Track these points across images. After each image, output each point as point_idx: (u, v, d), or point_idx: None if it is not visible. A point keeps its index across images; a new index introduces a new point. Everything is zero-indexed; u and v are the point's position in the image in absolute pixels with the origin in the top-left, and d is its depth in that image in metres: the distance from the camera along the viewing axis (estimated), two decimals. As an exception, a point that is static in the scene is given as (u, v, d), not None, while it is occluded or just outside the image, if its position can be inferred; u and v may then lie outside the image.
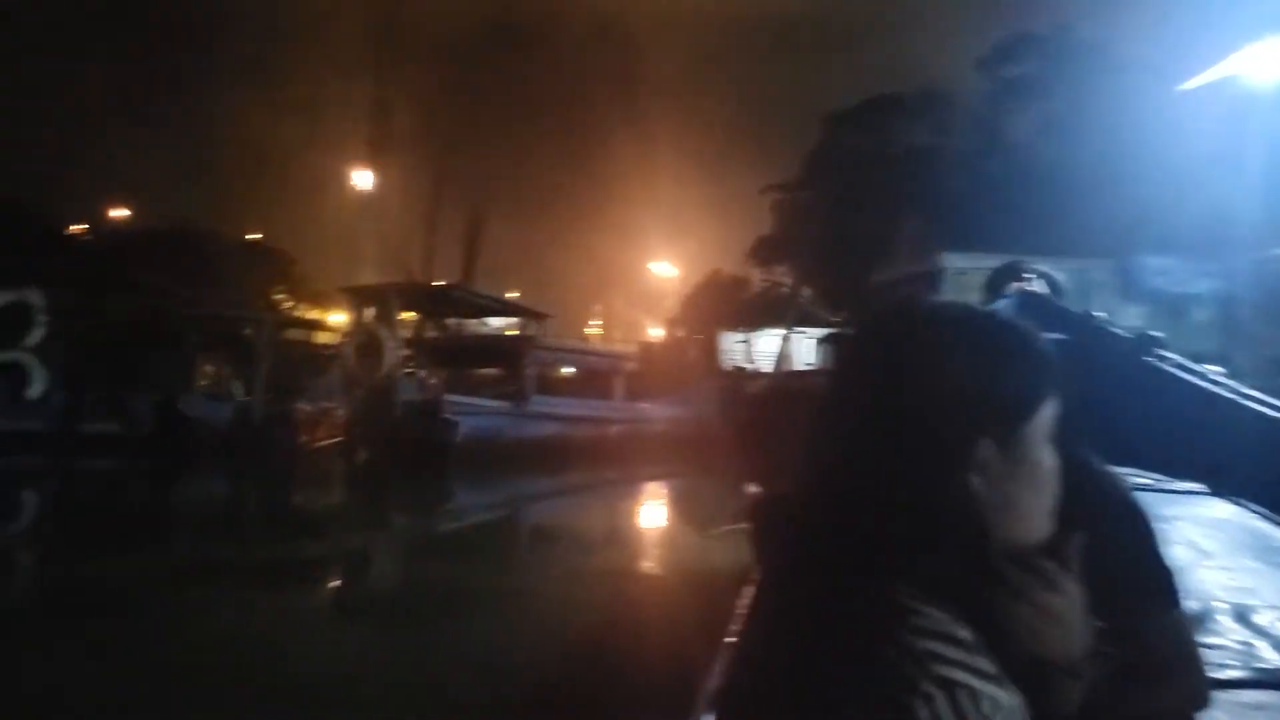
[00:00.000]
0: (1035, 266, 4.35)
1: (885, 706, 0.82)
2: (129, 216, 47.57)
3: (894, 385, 0.96)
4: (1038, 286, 4.19)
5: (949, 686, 0.83)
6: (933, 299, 1.07)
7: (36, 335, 21.45)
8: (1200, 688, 2.02)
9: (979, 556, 0.93)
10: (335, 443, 21.19)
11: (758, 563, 1.04)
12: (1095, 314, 4.88)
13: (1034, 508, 0.97)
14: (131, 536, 12.50)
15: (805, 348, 34.52)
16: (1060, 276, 4.40)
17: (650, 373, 27.20)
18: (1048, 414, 0.98)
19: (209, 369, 25.86)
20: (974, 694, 0.83)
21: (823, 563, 0.94)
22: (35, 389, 21.03)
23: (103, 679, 6.47)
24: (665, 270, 56.62)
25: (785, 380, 22.22)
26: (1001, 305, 3.95)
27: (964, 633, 0.87)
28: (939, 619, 0.87)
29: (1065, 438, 1.09)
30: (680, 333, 40.25)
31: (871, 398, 0.98)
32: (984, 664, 0.86)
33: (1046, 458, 0.98)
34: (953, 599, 0.90)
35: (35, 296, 21.80)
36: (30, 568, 11.21)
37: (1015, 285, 4.22)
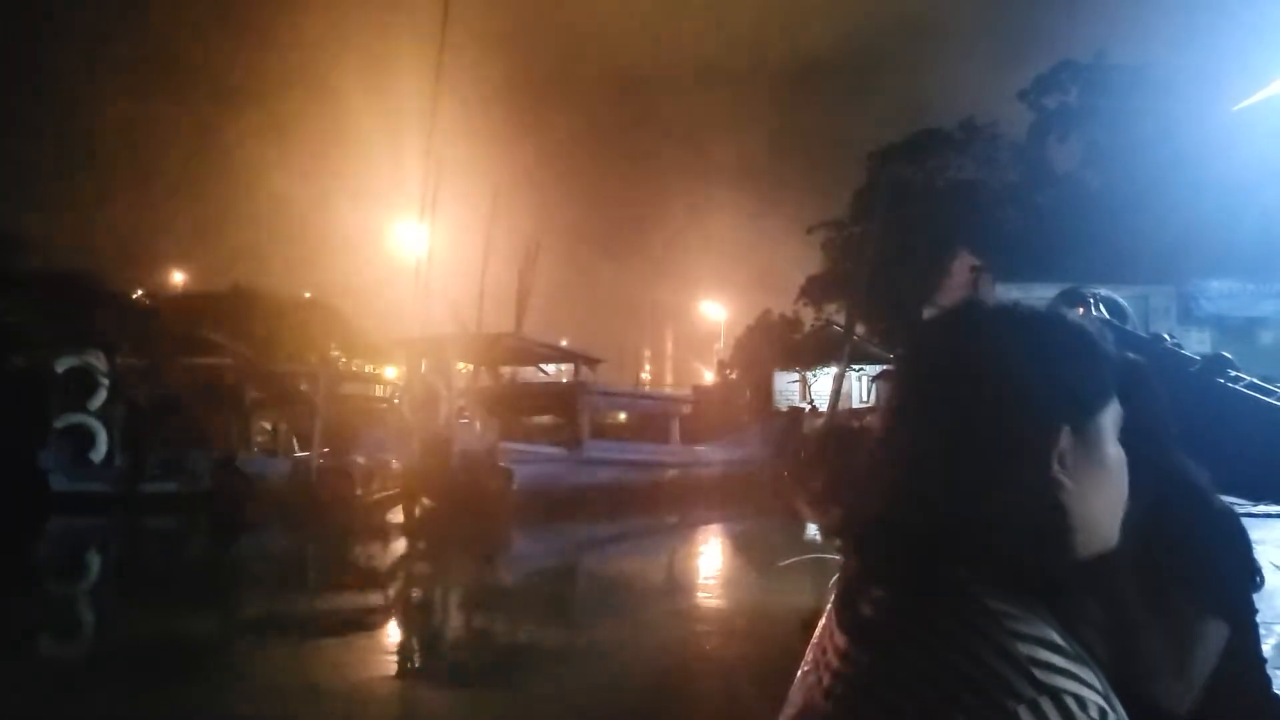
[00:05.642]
0: (1097, 291, 4.24)
1: (989, 714, 0.79)
2: (185, 281, 48.66)
3: (966, 383, 0.93)
4: (1101, 312, 4.10)
5: (1054, 693, 0.79)
6: (989, 301, 1.03)
7: (100, 398, 21.89)
8: (1267, 709, 1.90)
9: (1064, 561, 0.91)
10: (393, 494, 21.30)
11: (848, 576, 1.00)
12: (1163, 336, 4.76)
13: (1103, 506, 0.94)
14: (191, 592, 12.59)
15: (860, 386, 34.28)
16: (1123, 301, 4.31)
17: (705, 415, 27.09)
18: (1114, 409, 0.96)
19: (266, 425, 26.13)
20: (1082, 701, 0.80)
21: (909, 571, 0.91)
22: (99, 451, 21.43)
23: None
24: (715, 312, 56.70)
25: (842, 418, 21.96)
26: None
27: (1064, 641, 0.85)
28: (1037, 624, 0.85)
29: (1145, 443, 1.06)
30: (733, 374, 40.15)
31: (943, 398, 0.94)
32: (1090, 675, 0.83)
33: (1114, 453, 0.96)
34: (1046, 606, 0.88)
35: (98, 360, 22.26)
36: (94, 624, 11.31)
37: (1077, 312, 4.10)
